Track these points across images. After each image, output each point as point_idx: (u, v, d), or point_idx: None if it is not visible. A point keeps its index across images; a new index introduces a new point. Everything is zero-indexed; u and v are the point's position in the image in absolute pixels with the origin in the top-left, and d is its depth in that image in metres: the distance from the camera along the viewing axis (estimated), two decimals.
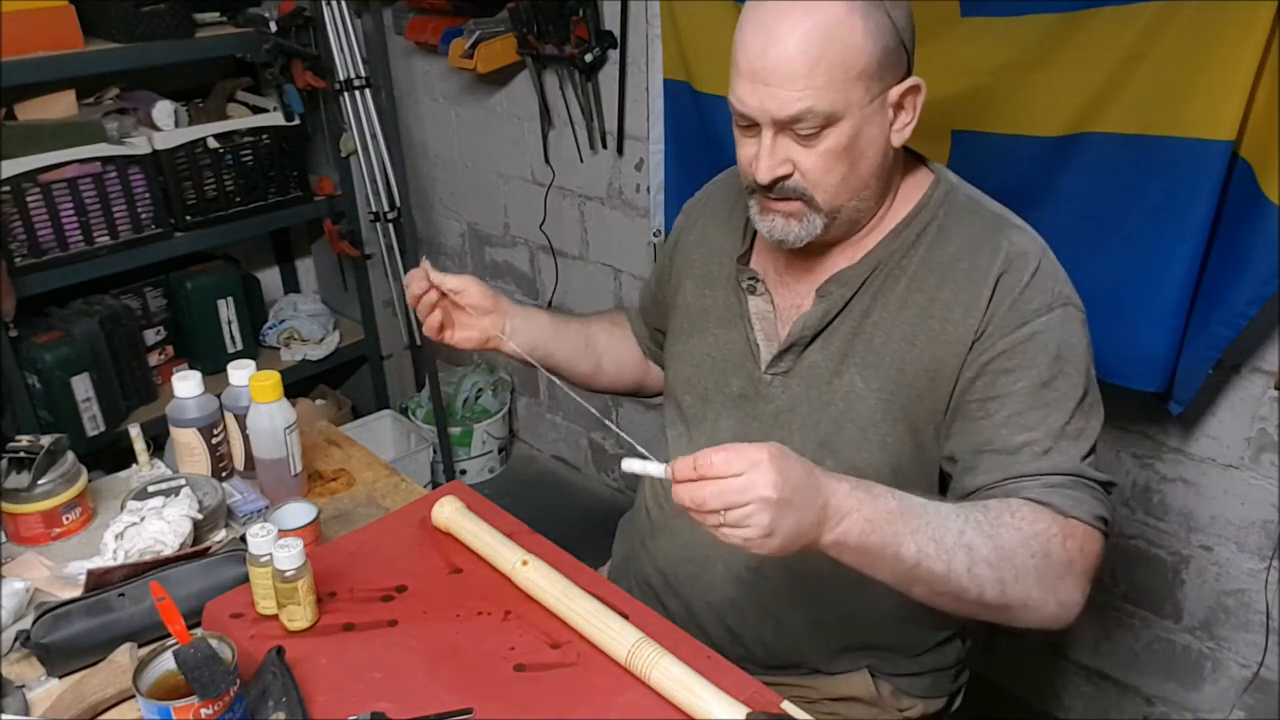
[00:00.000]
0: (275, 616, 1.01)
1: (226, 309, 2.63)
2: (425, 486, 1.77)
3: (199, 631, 0.99)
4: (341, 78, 2.48)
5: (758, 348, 1.12)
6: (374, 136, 2.55)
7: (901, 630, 1.17)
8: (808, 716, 0.90)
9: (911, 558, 0.88)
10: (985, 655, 1.98)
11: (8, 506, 1.24)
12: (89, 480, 1.32)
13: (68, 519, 1.27)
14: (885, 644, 1.18)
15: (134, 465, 1.41)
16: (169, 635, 0.93)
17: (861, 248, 1.07)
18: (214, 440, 1.34)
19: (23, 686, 1.03)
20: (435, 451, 2.80)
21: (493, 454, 2.91)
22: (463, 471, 2.86)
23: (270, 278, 3.00)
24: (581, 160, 2.34)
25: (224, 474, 1.37)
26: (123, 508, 1.22)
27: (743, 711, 0.86)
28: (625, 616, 0.97)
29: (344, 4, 2.43)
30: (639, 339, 1.40)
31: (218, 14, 2.46)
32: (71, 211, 2.22)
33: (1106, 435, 1.65)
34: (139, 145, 2.29)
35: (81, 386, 2.28)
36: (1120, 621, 1.78)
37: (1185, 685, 1.73)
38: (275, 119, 2.51)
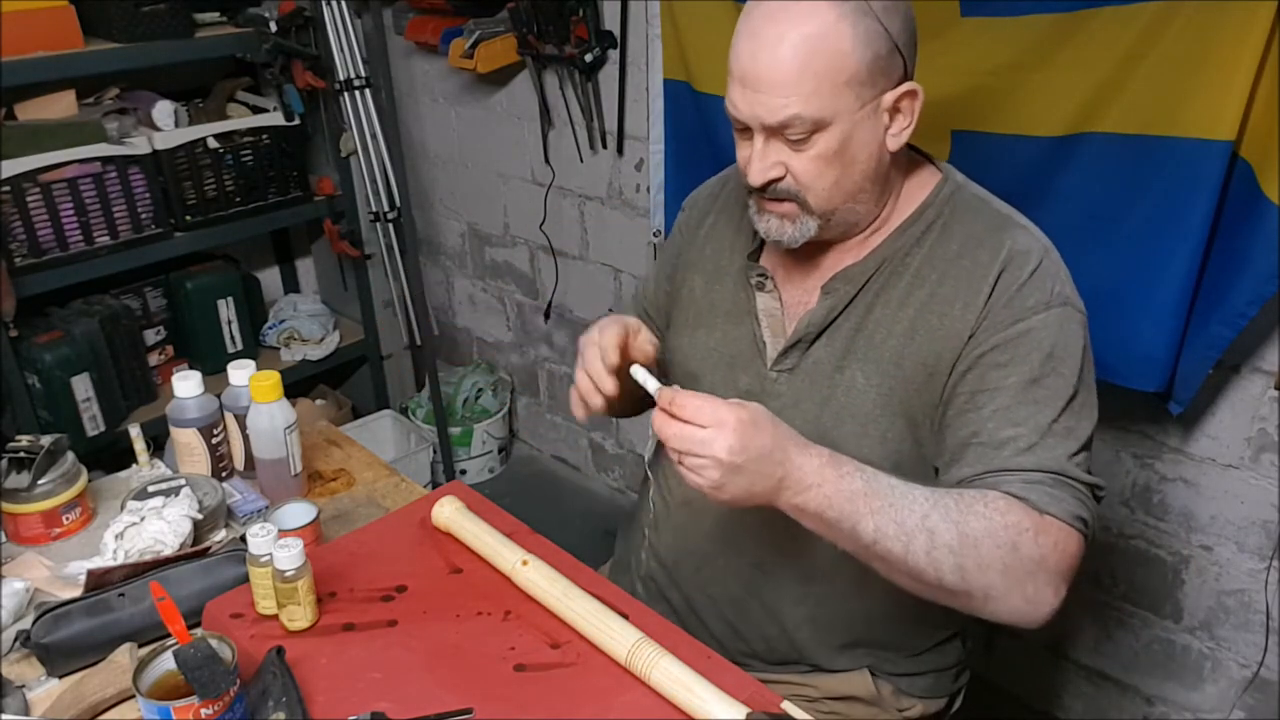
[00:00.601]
0: (275, 616, 1.02)
1: (226, 309, 2.63)
2: (425, 486, 1.77)
3: (199, 631, 0.99)
4: (341, 78, 2.48)
5: (764, 344, 1.13)
6: (374, 136, 2.55)
7: (902, 628, 1.17)
8: (807, 716, 0.91)
9: (869, 536, 0.91)
10: (985, 655, 1.98)
11: (8, 506, 1.24)
12: (89, 480, 1.32)
13: (68, 519, 1.27)
14: (886, 642, 1.18)
15: (134, 465, 1.41)
16: (169, 635, 0.93)
17: (867, 245, 1.08)
18: (214, 440, 1.34)
19: (23, 686, 1.03)
20: (435, 451, 2.80)
21: (493, 454, 2.91)
22: (463, 471, 2.86)
23: (270, 278, 3.00)
24: (581, 160, 2.34)
25: (224, 474, 1.37)
26: (123, 508, 1.22)
27: (743, 711, 0.86)
28: (625, 616, 0.97)
29: (344, 4, 2.43)
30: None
31: (218, 14, 2.46)
32: (71, 211, 2.22)
33: (1106, 435, 1.67)
34: (139, 145, 2.29)
35: (81, 386, 2.28)
36: (1120, 621, 1.78)
37: (1185, 685, 1.73)
38: (275, 119, 2.51)
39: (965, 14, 1.49)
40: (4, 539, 1.26)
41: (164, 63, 2.32)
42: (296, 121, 2.54)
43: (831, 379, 1.08)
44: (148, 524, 1.17)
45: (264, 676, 0.92)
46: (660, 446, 1.30)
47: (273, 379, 1.28)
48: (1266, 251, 1.30)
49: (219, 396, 1.36)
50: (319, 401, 2.97)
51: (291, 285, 3.06)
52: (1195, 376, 1.44)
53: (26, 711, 1.00)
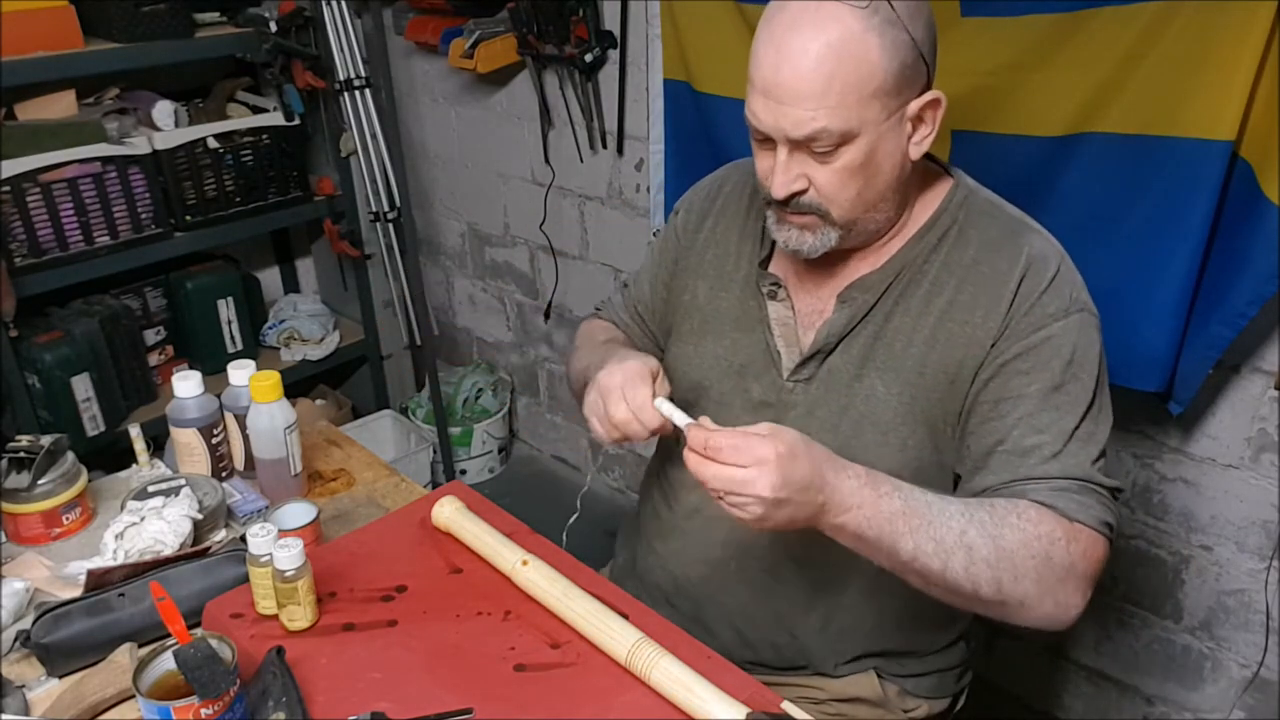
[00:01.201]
0: (275, 616, 1.01)
1: (226, 309, 2.63)
2: (425, 486, 1.77)
3: (199, 631, 0.99)
4: (341, 78, 2.48)
5: (779, 354, 1.12)
6: (374, 136, 2.55)
7: (912, 634, 1.18)
8: (808, 716, 0.90)
9: (908, 554, 0.90)
10: (985, 655, 1.98)
11: (8, 506, 1.24)
12: (89, 480, 1.32)
13: (68, 519, 1.27)
14: (894, 648, 1.18)
15: (134, 465, 1.41)
16: (169, 635, 0.93)
17: (884, 254, 1.07)
18: (214, 440, 1.34)
19: (23, 686, 1.03)
20: (435, 451, 2.80)
21: (493, 454, 2.91)
22: (463, 471, 2.86)
23: (270, 278, 3.00)
24: (581, 160, 2.34)
25: (224, 474, 1.37)
26: (123, 508, 1.22)
27: (743, 711, 0.86)
28: (625, 616, 0.97)
29: (344, 4, 2.43)
30: (641, 343, 1.35)
31: (218, 14, 2.46)
32: (71, 211, 2.22)
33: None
34: (139, 145, 2.29)
35: (81, 386, 2.28)
36: (1120, 621, 1.78)
37: (1185, 685, 1.73)
38: (275, 119, 2.51)
39: (965, 14, 1.49)
40: (4, 539, 1.26)
41: (164, 63, 2.32)
42: (296, 121, 2.54)
43: (850, 388, 1.07)
44: (148, 524, 1.17)
45: (264, 676, 0.92)
46: (661, 455, 1.29)
47: (273, 379, 1.28)
48: (1266, 251, 1.30)
49: (219, 396, 1.36)
50: (319, 401, 2.97)
51: (291, 285, 3.06)
52: (1195, 376, 1.44)
53: (26, 711, 1.00)
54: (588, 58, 2.11)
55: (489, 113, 2.55)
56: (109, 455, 2.24)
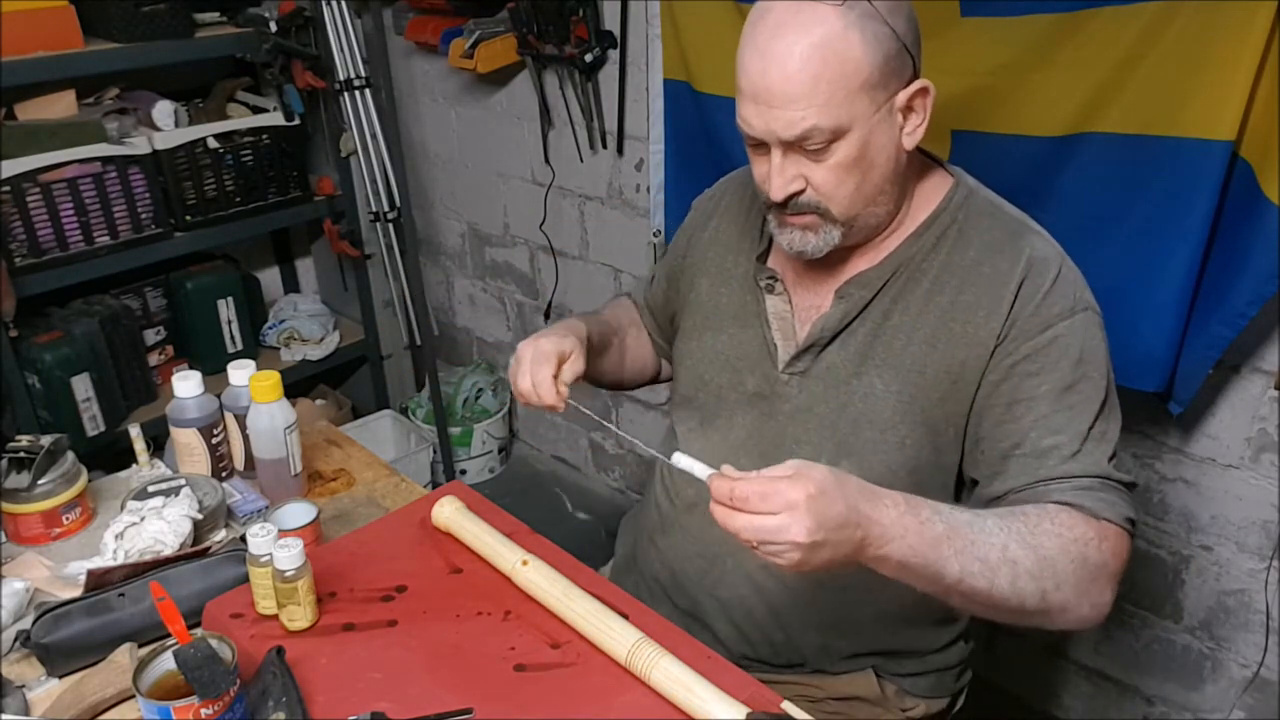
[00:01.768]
0: (275, 616, 1.01)
1: (226, 309, 2.63)
2: (425, 486, 1.77)
3: (199, 631, 0.99)
4: (341, 78, 2.48)
5: (775, 347, 1.13)
6: (374, 136, 2.55)
7: (910, 632, 1.18)
8: (808, 716, 0.91)
9: (954, 576, 0.88)
10: (985, 655, 1.98)
11: (8, 506, 1.24)
12: (89, 480, 1.32)
13: (68, 519, 1.27)
14: (893, 646, 1.18)
15: (134, 465, 1.41)
16: (169, 635, 0.93)
17: (882, 250, 1.07)
18: (214, 440, 1.34)
19: (23, 686, 1.03)
20: (435, 451, 2.80)
21: (493, 454, 2.91)
22: (463, 471, 2.86)
23: (270, 278, 3.00)
24: (581, 160, 2.34)
25: (224, 474, 1.37)
26: (123, 508, 1.22)
27: (743, 711, 0.86)
28: (625, 616, 0.97)
29: (344, 4, 2.43)
30: (649, 332, 1.40)
31: (218, 14, 2.46)
32: (71, 211, 2.22)
33: None
34: (139, 145, 2.29)
35: (81, 386, 2.28)
36: (1120, 621, 1.78)
37: (1185, 685, 1.73)
38: (275, 119, 2.51)
39: (965, 14, 1.49)
40: (4, 539, 1.26)
41: (164, 63, 2.32)
42: (296, 121, 2.54)
43: (849, 385, 1.07)
44: (148, 524, 1.17)
45: (264, 676, 0.92)
46: (665, 449, 1.30)
47: (273, 379, 1.28)
48: (1266, 251, 1.30)
49: (219, 396, 1.36)
50: (319, 401, 2.97)
51: (291, 285, 3.06)
52: (1195, 376, 1.44)
53: (26, 711, 1.00)
54: (588, 58, 2.11)
55: (489, 113, 2.55)
56: (109, 455, 2.24)
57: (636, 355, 1.37)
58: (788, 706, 0.91)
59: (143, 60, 2.27)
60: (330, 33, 2.44)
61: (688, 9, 1.86)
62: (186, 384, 1.32)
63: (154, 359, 2.56)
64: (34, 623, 1.04)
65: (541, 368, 1.08)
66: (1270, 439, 1.50)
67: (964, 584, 0.88)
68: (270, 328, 2.81)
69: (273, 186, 2.57)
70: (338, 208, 2.72)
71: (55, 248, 2.23)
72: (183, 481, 1.26)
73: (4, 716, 0.97)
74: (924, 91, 0.99)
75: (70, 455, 1.29)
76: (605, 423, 1.19)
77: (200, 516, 1.21)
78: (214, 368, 2.32)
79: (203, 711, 0.84)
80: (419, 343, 2.81)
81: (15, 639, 1.07)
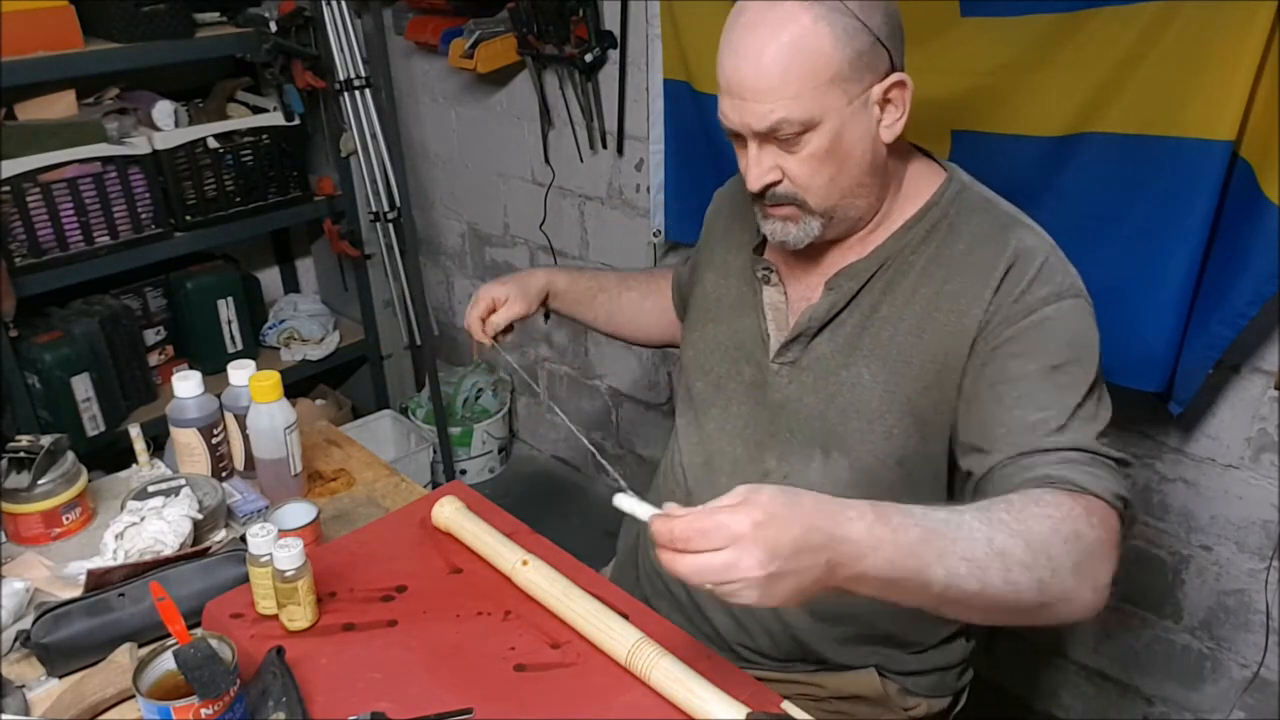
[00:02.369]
0: (275, 616, 1.01)
1: (226, 309, 2.63)
2: (425, 486, 1.77)
3: (199, 631, 0.99)
4: (341, 78, 2.48)
5: (768, 337, 1.14)
6: (374, 136, 2.55)
7: (906, 622, 1.17)
8: (808, 716, 0.90)
9: (940, 583, 0.80)
10: (985, 655, 1.98)
11: (8, 506, 1.24)
12: (89, 480, 1.32)
13: (68, 519, 1.27)
14: (889, 635, 1.18)
15: (134, 465, 1.41)
16: (169, 635, 0.93)
17: (871, 242, 1.08)
18: (214, 440, 1.34)
19: (23, 686, 1.03)
20: (435, 451, 2.80)
21: (493, 454, 2.91)
22: (463, 471, 2.86)
23: (270, 278, 3.00)
24: (581, 160, 2.34)
25: (224, 474, 1.37)
26: (123, 508, 1.22)
27: (743, 711, 0.86)
28: (625, 616, 0.97)
29: (344, 4, 2.43)
30: (675, 306, 1.44)
31: (218, 14, 2.46)
32: (71, 211, 2.22)
33: (1106, 435, 1.66)
34: (139, 145, 2.29)
35: (81, 386, 2.28)
36: (1120, 621, 1.78)
37: (1185, 685, 1.73)
38: (275, 119, 2.51)
39: (965, 14, 1.49)
40: (4, 539, 1.26)
41: (164, 63, 2.32)
42: (296, 121, 2.54)
43: (837, 376, 1.08)
44: (148, 524, 1.17)
45: (264, 676, 0.92)
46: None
47: (273, 379, 1.28)
48: (1266, 251, 1.30)
49: (219, 396, 1.36)
50: (319, 401, 2.97)
51: (291, 285, 3.06)
52: (1195, 376, 1.44)
53: (26, 711, 1.00)
54: (588, 58, 2.11)
55: (489, 113, 2.55)
56: (109, 455, 2.24)
57: (633, 316, 1.46)
58: (788, 706, 0.91)
59: (143, 60, 2.27)
60: (330, 33, 2.44)
61: (688, 9, 1.86)
62: (186, 384, 1.32)
63: (154, 359, 2.56)
64: (34, 623, 1.04)
65: (473, 309, 1.32)
66: (1270, 439, 1.50)
67: (953, 589, 0.80)
68: (270, 328, 2.81)
69: (273, 186, 2.57)
70: (338, 208, 2.72)
71: (55, 248, 2.23)
72: (183, 481, 1.26)
73: (4, 716, 0.97)
74: (901, 85, 0.99)
75: (70, 455, 1.29)
76: (533, 383, 1.25)
77: (200, 516, 1.21)
78: (214, 368, 2.32)
79: (203, 711, 0.84)
80: (419, 343, 2.81)
81: (15, 639, 1.07)
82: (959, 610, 0.85)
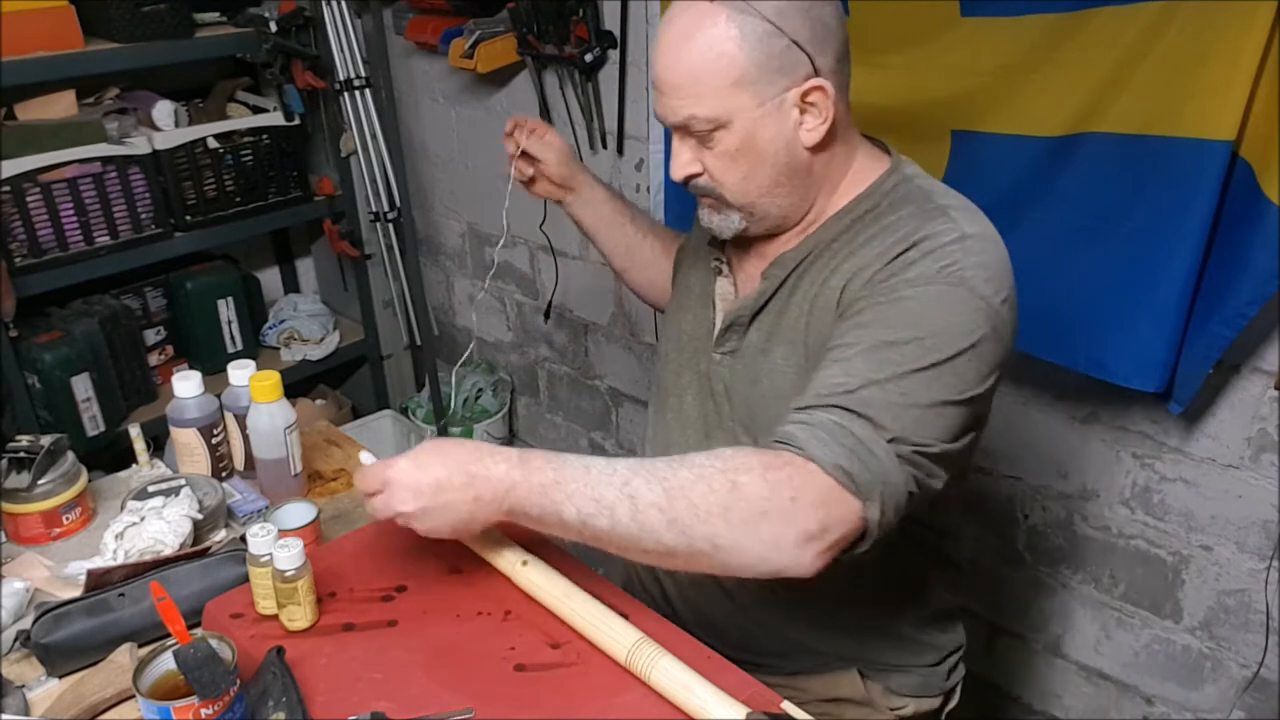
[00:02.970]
0: (275, 616, 1.01)
1: (226, 309, 2.63)
2: None
3: (199, 631, 0.99)
4: (341, 78, 2.48)
5: (715, 327, 1.18)
6: (374, 136, 2.55)
7: (862, 608, 1.17)
8: (808, 716, 0.90)
9: (575, 522, 0.91)
10: (985, 655, 1.98)
11: (8, 506, 1.24)
12: (89, 480, 1.32)
13: (68, 519, 1.27)
14: (858, 623, 1.17)
15: (134, 465, 1.42)
16: (169, 635, 0.93)
17: (805, 234, 1.11)
18: (214, 440, 1.34)
19: (23, 686, 1.03)
20: None
21: None
22: None
23: (270, 278, 3.00)
24: (581, 160, 2.34)
25: (224, 474, 1.37)
26: (123, 508, 1.22)
27: (743, 711, 0.86)
28: (625, 616, 0.97)
29: (344, 4, 2.43)
30: (672, 269, 1.42)
31: (218, 14, 2.46)
32: (71, 211, 2.23)
33: (1106, 435, 1.67)
34: (139, 145, 2.29)
35: (81, 386, 2.28)
36: (1120, 621, 1.78)
37: (1185, 685, 1.73)
38: (275, 119, 2.51)
39: (965, 14, 1.49)
40: (4, 539, 1.26)
41: (164, 63, 2.32)
42: (296, 121, 2.54)
43: (758, 361, 1.11)
44: (148, 524, 1.17)
45: (264, 676, 0.92)
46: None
47: (273, 379, 1.28)
48: (1266, 251, 1.30)
49: (219, 396, 1.36)
50: (319, 401, 2.97)
51: (291, 285, 3.06)
52: (1195, 376, 1.44)
53: (26, 711, 1.00)
54: (588, 58, 2.11)
55: (489, 113, 2.55)
56: (109, 455, 2.24)
57: (648, 272, 1.45)
58: (787, 707, 0.91)
59: (143, 60, 2.27)
60: (330, 33, 2.44)
61: None
62: (186, 384, 1.32)
63: (154, 359, 2.56)
64: (34, 623, 1.04)
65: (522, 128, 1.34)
66: (1270, 439, 1.50)
67: (589, 527, 0.90)
68: (270, 328, 2.81)
69: (273, 186, 2.57)
70: (338, 208, 2.72)
71: (55, 248, 2.23)
72: (183, 481, 1.27)
73: (4, 716, 0.97)
74: (819, 90, 1.00)
75: (70, 455, 1.29)
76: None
77: (200, 516, 1.21)
78: (214, 368, 2.33)
79: (203, 711, 0.84)
80: (419, 343, 2.81)
81: (15, 639, 1.07)
82: (617, 549, 0.93)
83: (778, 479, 0.88)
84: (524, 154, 1.35)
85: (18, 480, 1.24)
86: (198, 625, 1.06)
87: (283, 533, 1.05)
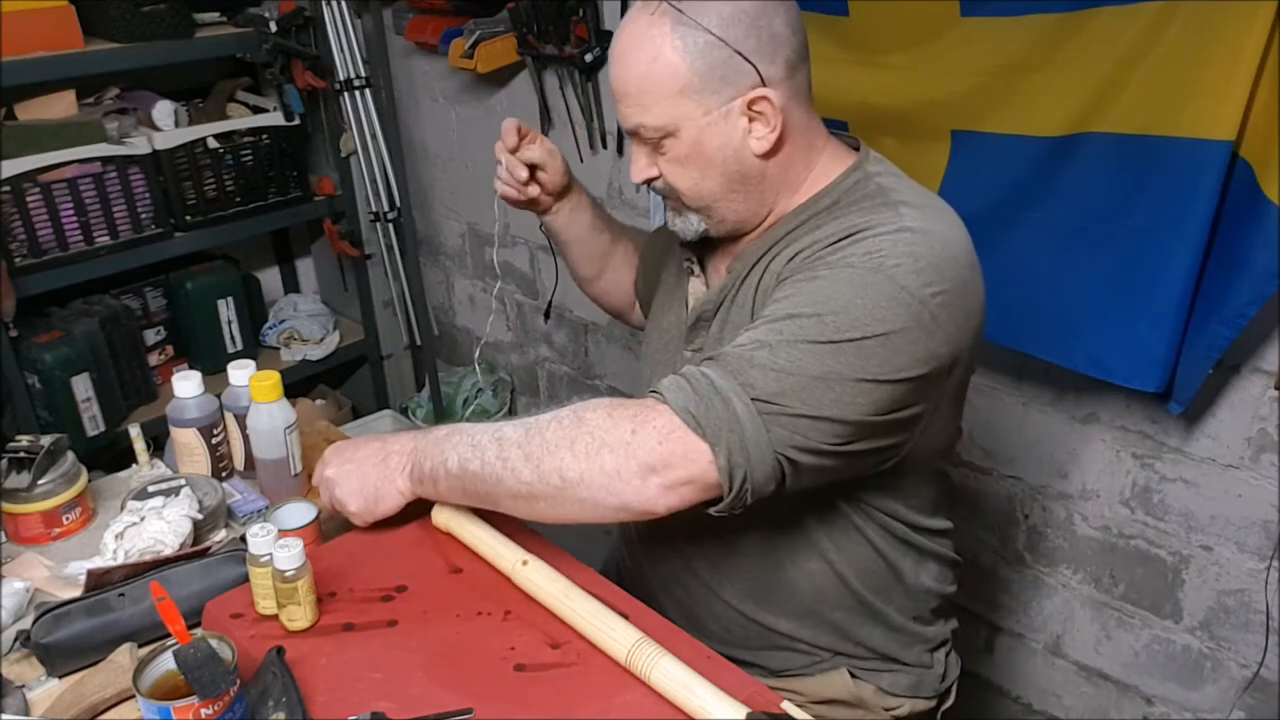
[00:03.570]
0: (275, 616, 1.01)
1: (226, 309, 2.63)
2: None
3: (199, 631, 0.99)
4: (341, 78, 2.48)
5: (685, 325, 1.19)
6: (374, 136, 2.55)
7: (842, 598, 1.16)
8: (808, 716, 0.90)
9: (456, 466, 1.02)
10: (985, 655, 1.98)
11: (8, 506, 1.24)
12: (89, 480, 1.32)
13: (68, 519, 1.27)
14: (830, 615, 1.17)
15: (134, 465, 1.41)
16: (169, 635, 0.93)
17: (768, 230, 1.12)
18: (214, 440, 1.34)
19: (23, 686, 1.03)
20: None
21: None
22: None
23: (270, 278, 3.00)
24: (581, 160, 2.34)
25: (224, 474, 1.37)
26: (123, 508, 1.22)
27: (743, 711, 0.86)
28: (625, 616, 0.97)
29: (344, 4, 2.43)
30: (635, 273, 1.46)
31: (218, 14, 2.46)
32: (71, 211, 2.23)
33: (1106, 435, 1.67)
34: (139, 145, 2.29)
35: (81, 386, 2.28)
36: (1120, 621, 1.78)
37: (1185, 685, 1.73)
38: (275, 119, 2.51)
39: (965, 14, 1.49)
40: (4, 539, 1.26)
41: (164, 63, 2.32)
42: (296, 121, 2.54)
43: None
44: (148, 524, 1.17)
45: (264, 676, 0.92)
46: None
47: (273, 379, 1.28)
48: (1266, 251, 1.30)
49: (219, 396, 1.36)
50: (319, 401, 2.97)
51: (291, 285, 3.06)
52: (1195, 376, 1.44)
53: (26, 711, 1.00)
54: (588, 58, 2.11)
55: (489, 113, 2.55)
56: (109, 455, 2.24)
57: (616, 278, 1.46)
58: (788, 707, 0.91)
59: (143, 60, 2.27)
60: (330, 33, 2.44)
61: None
62: (186, 384, 1.32)
63: (154, 359, 2.57)
64: (34, 623, 1.04)
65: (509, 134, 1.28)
66: (1270, 439, 1.50)
67: (466, 471, 1.01)
68: (270, 328, 2.81)
69: (273, 186, 2.57)
70: (338, 208, 2.72)
71: (55, 248, 2.23)
72: (183, 481, 1.26)
73: (4, 716, 0.97)
74: (764, 100, 1.01)
75: (70, 455, 1.29)
76: None
77: (200, 516, 1.21)
78: (214, 368, 2.33)
79: (203, 711, 0.84)
80: (419, 343, 2.81)
81: (15, 639, 1.07)
82: (483, 490, 1.02)
83: (622, 415, 0.96)
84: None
85: (18, 480, 1.24)
86: (198, 625, 1.06)
87: (283, 533, 1.05)
